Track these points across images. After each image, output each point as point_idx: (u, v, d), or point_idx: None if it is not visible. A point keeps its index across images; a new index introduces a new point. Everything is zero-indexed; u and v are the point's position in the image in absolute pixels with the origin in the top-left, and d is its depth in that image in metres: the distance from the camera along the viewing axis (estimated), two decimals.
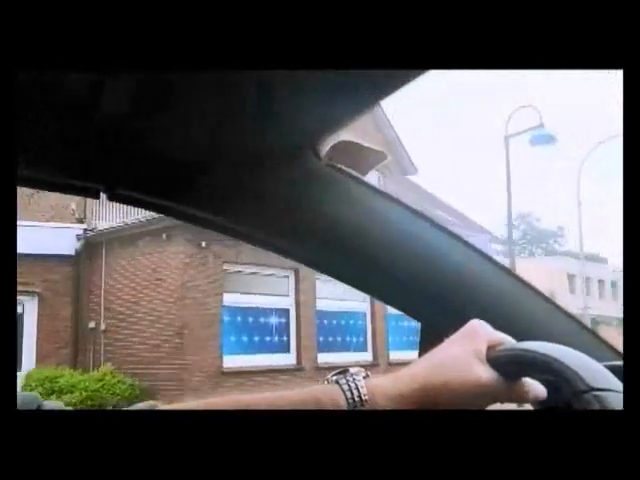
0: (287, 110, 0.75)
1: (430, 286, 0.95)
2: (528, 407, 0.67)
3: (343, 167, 0.88)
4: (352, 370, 0.62)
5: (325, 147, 0.84)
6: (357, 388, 0.60)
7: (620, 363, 0.76)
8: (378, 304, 12.31)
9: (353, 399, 0.59)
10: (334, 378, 0.62)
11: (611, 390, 0.54)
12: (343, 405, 0.59)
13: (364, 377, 0.61)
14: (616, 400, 0.53)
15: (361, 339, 12.39)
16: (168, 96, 0.71)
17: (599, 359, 0.66)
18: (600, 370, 0.58)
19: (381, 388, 0.60)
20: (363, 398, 0.59)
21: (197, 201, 0.90)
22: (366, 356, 12.15)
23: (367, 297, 12.27)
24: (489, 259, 0.98)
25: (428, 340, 0.72)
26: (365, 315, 12.56)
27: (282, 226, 0.93)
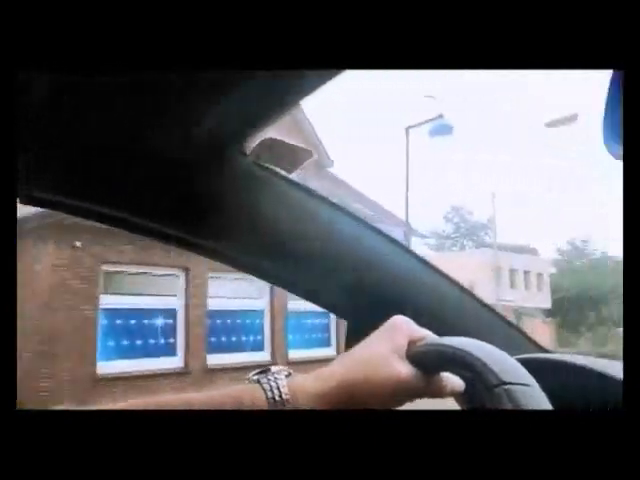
0: (210, 108, 0.76)
1: (354, 283, 0.96)
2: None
3: (269, 165, 0.89)
4: (274, 369, 0.63)
5: (251, 145, 0.85)
6: (278, 387, 0.60)
7: (536, 355, 0.83)
8: (278, 301, 12.02)
9: (274, 398, 0.59)
10: (255, 377, 0.62)
11: (521, 384, 0.55)
12: (264, 405, 0.59)
13: (286, 376, 0.62)
14: (526, 394, 0.55)
15: (258, 338, 12.20)
16: (84, 95, 0.71)
17: (519, 351, 0.71)
18: (512, 364, 0.58)
19: (302, 386, 0.61)
20: (284, 397, 0.59)
21: (121, 203, 0.89)
22: (263, 355, 11.86)
23: (266, 294, 12.03)
24: (413, 255, 1.01)
25: (354, 338, 0.70)
26: (263, 313, 12.25)
27: (205, 225, 0.93)
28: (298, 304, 12.18)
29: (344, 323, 1.03)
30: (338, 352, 12.95)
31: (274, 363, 11.79)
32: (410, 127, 13.53)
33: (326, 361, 0.64)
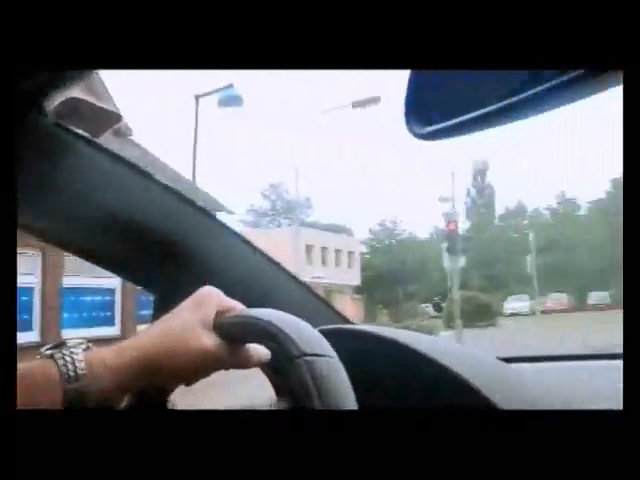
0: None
1: (163, 255, 0.94)
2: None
3: (72, 127, 0.82)
4: (70, 342, 0.61)
5: (52, 104, 0.78)
6: (74, 362, 0.57)
7: (341, 326, 0.92)
8: (51, 277, 11.19)
9: (68, 374, 0.57)
10: (48, 352, 0.59)
11: (321, 355, 0.56)
12: (57, 381, 0.56)
13: (84, 349, 0.60)
14: (326, 366, 0.56)
15: (25, 317, 11.42)
16: None
17: (327, 324, 0.79)
18: (314, 336, 0.59)
19: (101, 359, 0.59)
20: (80, 372, 0.57)
21: None
22: (31, 336, 11.09)
23: (37, 269, 11.07)
24: (225, 228, 1.00)
25: (161, 312, 0.69)
26: (33, 290, 11.53)
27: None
28: (76, 280, 11.40)
29: (131, 301, 1.48)
30: (123, 332, 12.37)
31: (44, 343, 10.82)
32: (199, 96, 13.11)
33: (108, 341, 0.62)
